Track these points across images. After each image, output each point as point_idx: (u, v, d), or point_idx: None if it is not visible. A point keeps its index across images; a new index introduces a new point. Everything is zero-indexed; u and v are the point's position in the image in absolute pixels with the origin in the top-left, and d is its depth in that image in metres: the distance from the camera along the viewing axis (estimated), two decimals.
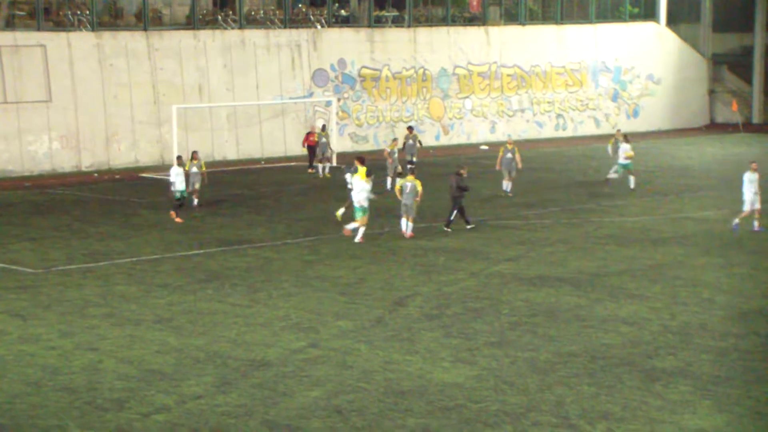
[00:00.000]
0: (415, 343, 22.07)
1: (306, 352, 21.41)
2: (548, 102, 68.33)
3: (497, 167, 43.16)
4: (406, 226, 33.76)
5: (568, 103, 69.24)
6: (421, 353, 21.37)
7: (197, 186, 39.54)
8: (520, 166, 43.11)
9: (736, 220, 34.16)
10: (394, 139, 46.79)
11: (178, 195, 37.48)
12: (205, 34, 55.65)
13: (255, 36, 57.24)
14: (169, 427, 17.22)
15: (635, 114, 72.27)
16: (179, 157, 39.26)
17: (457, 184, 34.91)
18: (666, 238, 33.87)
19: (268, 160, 55.36)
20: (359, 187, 33.14)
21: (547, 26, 68.90)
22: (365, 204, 33.06)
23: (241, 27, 56.97)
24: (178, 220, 36.83)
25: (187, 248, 32.35)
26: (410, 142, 47.65)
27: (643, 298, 25.99)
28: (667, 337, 22.45)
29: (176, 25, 56.44)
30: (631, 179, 44.11)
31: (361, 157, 34.65)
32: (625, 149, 44.20)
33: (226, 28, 56.52)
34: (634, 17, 72.90)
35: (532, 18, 69.17)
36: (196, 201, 39.57)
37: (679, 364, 20.47)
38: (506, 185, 42.75)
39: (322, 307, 25.15)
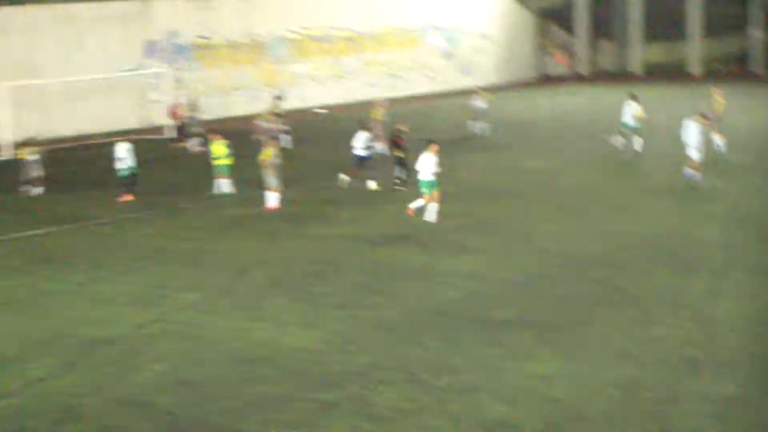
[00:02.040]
0: (261, 311, 22.13)
1: (151, 327, 21.28)
2: (381, 63, 68.71)
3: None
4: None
5: (401, 62, 69.73)
6: (268, 320, 21.44)
7: (35, 174, 38.15)
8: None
9: (691, 171, 34.34)
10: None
11: (127, 173, 35.86)
12: (32, 9, 54.27)
13: (83, 9, 56.06)
14: (15, 411, 16.97)
15: (467, 70, 73.19)
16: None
17: (396, 141, 35.88)
18: (502, 190, 34.50)
19: (104, 135, 54.52)
20: (426, 161, 30.53)
21: None
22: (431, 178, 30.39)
23: (68, 0, 55.75)
24: (128, 198, 35.52)
25: (23, 228, 31.70)
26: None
27: (481, 251, 26.48)
28: (506, 289, 22.95)
29: (3, 1, 54.95)
30: (637, 141, 41.31)
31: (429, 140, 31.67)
32: (636, 109, 41.12)
33: (54, 2, 55.23)
34: None
35: None
36: (36, 190, 38.05)
37: (519, 314, 20.97)
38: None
39: (166, 281, 24.99)
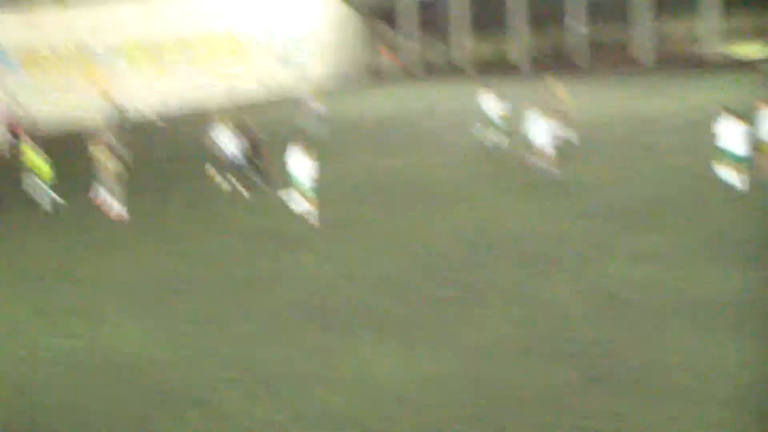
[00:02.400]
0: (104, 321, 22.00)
1: None
2: (214, 70, 68.48)
3: None
4: None
5: (233, 69, 69.65)
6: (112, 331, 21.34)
7: None
8: None
9: (539, 162, 35.03)
10: None
11: None
12: None
13: None
14: None
15: (300, 74, 73.36)
16: None
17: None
18: (354, 191, 34.68)
19: None
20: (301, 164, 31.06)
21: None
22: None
23: None
24: None
25: None
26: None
27: (332, 250, 26.67)
28: (351, 285, 23.17)
29: None
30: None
31: None
32: (499, 107, 41.34)
33: None
34: None
35: None
36: None
37: (365, 309, 21.23)
38: None
39: None
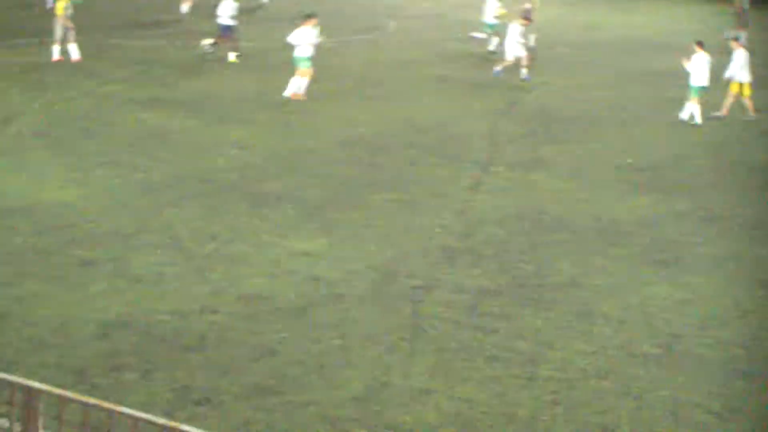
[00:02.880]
0: (22, 163, 21.65)
1: None
2: None
3: None
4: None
5: None
6: (28, 172, 21.01)
7: None
8: None
9: (499, 68, 34.72)
10: None
11: None
12: None
13: None
14: None
15: None
16: None
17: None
18: (280, 64, 34.44)
19: None
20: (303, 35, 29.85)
21: None
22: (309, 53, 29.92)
23: None
24: None
25: None
26: None
27: (253, 123, 26.50)
28: (276, 163, 23.09)
29: None
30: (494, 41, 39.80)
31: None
32: (497, 8, 39.91)
33: None
34: None
35: None
36: None
37: (286, 189, 21.15)
38: None
39: None
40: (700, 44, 29.57)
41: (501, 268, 17.39)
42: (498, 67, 34.68)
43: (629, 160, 25.07)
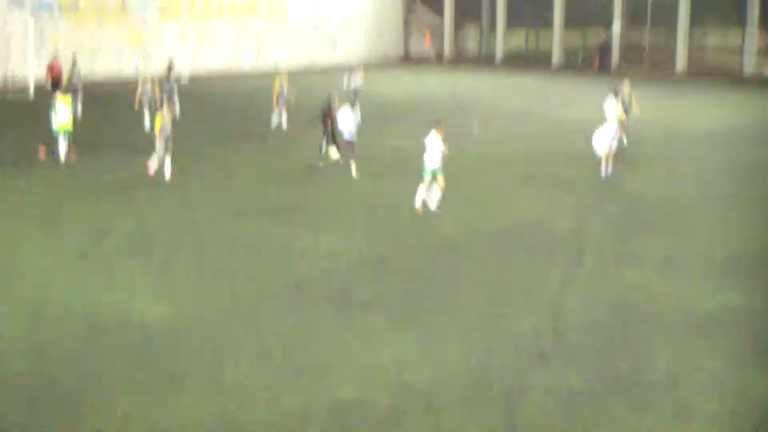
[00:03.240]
0: (114, 278, 21.90)
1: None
2: (249, 31, 68.31)
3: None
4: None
5: (267, 34, 69.38)
6: (121, 287, 21.22)
7: None
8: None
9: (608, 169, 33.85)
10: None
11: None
12: None
13: None
14: None
15: (334, 46, 73.17)
16: None
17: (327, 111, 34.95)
18: (365, 167, 34.65)
19: None
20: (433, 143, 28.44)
21: None
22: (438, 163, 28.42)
23: None
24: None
25: None
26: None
27: (342, 229, 26.57)
28: (363, 269, 23.04)
29: None
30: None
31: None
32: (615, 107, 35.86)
33: None
34: None
35: None
36: None
37: (375, 294, 21.08)
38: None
39: (17, 242, 24.55)
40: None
41: (595, 367, 17.13)
42: (607, 169, 33.99)
43: (720, 254, 24.68)
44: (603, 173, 33.45)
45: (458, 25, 78.14)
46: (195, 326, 19.00)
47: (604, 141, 33.52)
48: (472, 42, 78.94)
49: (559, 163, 35.89)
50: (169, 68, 47.02)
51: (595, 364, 17.37)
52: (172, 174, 32.13)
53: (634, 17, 73.54)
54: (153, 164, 32.27)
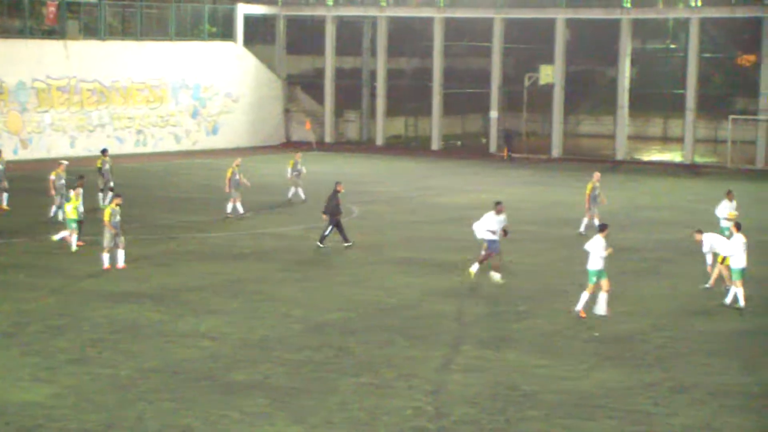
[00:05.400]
0: None
1: None
2: (129, 117, 68.03)
3: None
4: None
5: (148, 119, 69.22)
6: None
7: None
8: None
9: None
10: None
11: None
12: None
13: None
14: None
15: (215, 131, 73.23)
16: None
17: (335, 201, 35.38)
18: (246, 253, 34.71)
19: None
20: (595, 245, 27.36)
21: (127, 42, 68.58)
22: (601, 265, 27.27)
23: None
24: None
25: None
26: (107, 166, 44.59)
27: (223, 312, 26.57)
28: (246, 351, 23.10)
29: None
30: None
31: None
32: (728, 208, 34.94)
33: None
34: (213, 36, 74.04)
35: (112, 33, 68.74)
36: None
37: (257, 377, 21.14)
38: None
39: None
40: (737, 226, 28.81)
41: None
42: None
43: (595, 334, 25.24)
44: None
45: (339, 111, 78.87)
46: (74, 410, 18.81)
47: (483, 227, 33.89)
48: (352, 128, 79.71)
49: (440, 247, 36.31)
50: (103, 156, 45.35)
51: None
52: (125, 267, 31.55)
53: (511, 105, 75.02)
54: (105, 259, 31.51)
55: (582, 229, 38.92)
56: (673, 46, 76.53)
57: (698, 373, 22.08)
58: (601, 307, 26.96)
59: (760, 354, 23.92)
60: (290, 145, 75.43)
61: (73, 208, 34.09)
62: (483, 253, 31.09)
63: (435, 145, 75.77)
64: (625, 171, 63.33)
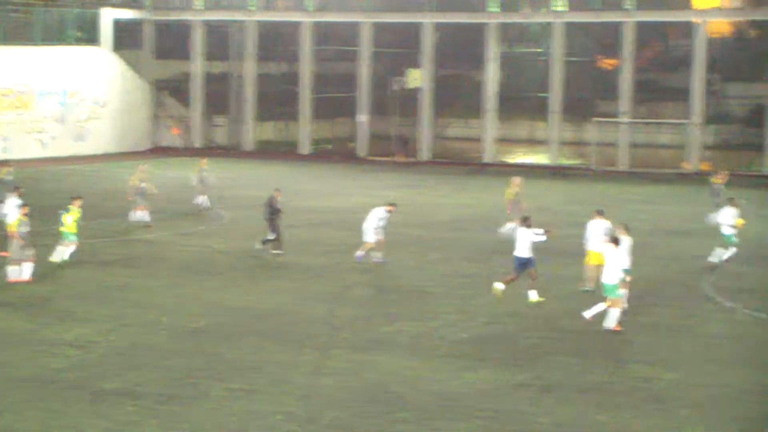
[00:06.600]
0: None
1: None
2: None
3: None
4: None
5: (14, 125, 67.95)
6: None
7: None
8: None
9: (361, 252, 34.51)
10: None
11: None
12: None
13: None
14: None
15: (82, 137, 72.22)
16: None
17: (272, 206, 35.62)
18: (114, 260, 34.35)
19: None
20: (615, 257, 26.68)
21: None
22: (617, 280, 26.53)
23: None
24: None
25: None
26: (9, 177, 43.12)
27: (91, 320, 26.28)
28: (115, 359, 22.90)
29: None
30: (727, 253, 35.19)
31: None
32: (733, 215, 35.33)
33: None
34: (80, 41, 73.04)
35: None
36: None
37: (127, 385, 20.97)
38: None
39: None
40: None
41: None
42: (360, 252, 34.66)
43: (464, 335, 25.57)
44: (358, 257, 34.25)
45: (207, 116, 78.44)
46: None
47: (371, 229, 34.19)
48: (221, 133, 79.33)
49: (312, 251, 36.38)
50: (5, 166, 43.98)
51: None
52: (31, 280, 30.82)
53: (380, 108, 75.47)
54: (11, 272, 30.62)
55: (504, 230, 39.31)
56: (538, 50, 77.73)
57: (566, 372, 22.52)
58: (610, 322, 26.29)
59: (626, 352, 24.45)
60: (159, 151, 74.85)
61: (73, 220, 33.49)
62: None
63: (305, 149, 75.87)
64: (492, 174, 64.10)
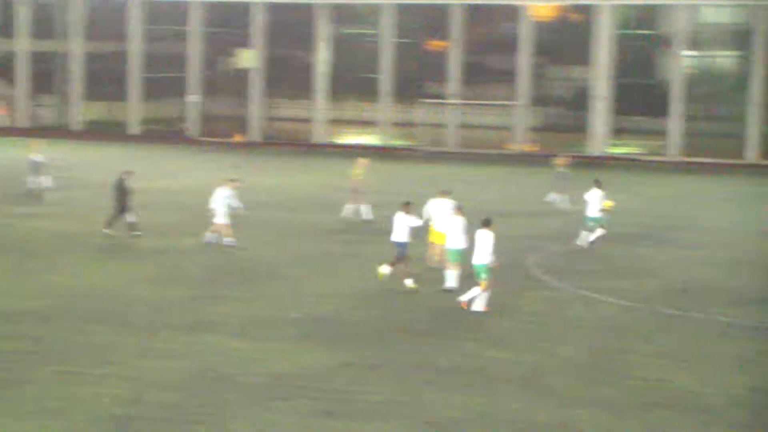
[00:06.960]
0: None
1: None
2: None
3: None
4: None
5: None
6: None
7: None
8: None
9: (209, 234, 34.09)
10: None
11: None
12: None
13: None
14: None
15: None
16: None
17: (122, 187, 34.80)
18: None
19: None
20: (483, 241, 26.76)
21: None
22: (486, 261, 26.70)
23: None
24: None
25: None
26: None
27: None
28: None
29: None
30: (596, 234, 35.74)
31: None
32: (599, 197, 35.67)
33: None
34: None
35: None
36: None
37: None
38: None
39: None
40: (460, 209, 29.14)
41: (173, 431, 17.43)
42: (211, 234, 34.34)
43: (293, 315, 25.64)
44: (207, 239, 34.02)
45: (33, 95, 76.82)
46: None
47: (221, 207, 33.88)
48: (47, 113, 77.80)
49: (144, 233, 35.83)
50: None
51: (171, 430, 17.69)
52: None
53: (211, 88, 75.03)
54: None
55: (345, 212, 39.65)
56: (370, 31, 78.19)
57: (395, 351, 22.76)
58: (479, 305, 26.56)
59: (454, 331, 24.83)
60: None
61: None
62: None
63: (134, 129, 74.94)
64: (321, 154, 64.36)
